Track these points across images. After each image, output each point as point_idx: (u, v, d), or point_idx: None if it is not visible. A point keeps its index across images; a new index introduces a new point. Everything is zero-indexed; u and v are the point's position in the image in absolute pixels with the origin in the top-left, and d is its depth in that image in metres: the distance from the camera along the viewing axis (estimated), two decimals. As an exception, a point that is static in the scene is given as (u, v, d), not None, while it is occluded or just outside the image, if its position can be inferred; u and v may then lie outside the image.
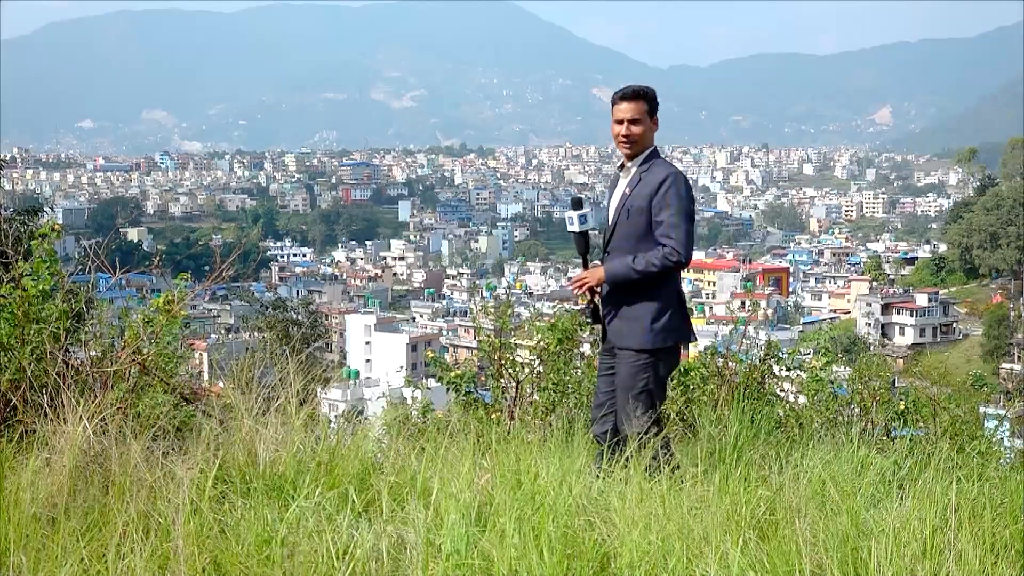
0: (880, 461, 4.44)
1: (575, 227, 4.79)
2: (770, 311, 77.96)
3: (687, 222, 4.67)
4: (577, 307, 4.95)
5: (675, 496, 3.83)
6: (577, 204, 4.80)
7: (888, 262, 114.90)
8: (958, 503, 3.70)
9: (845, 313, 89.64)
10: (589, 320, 4.91)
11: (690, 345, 5.22)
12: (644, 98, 4.83)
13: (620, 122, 4.81)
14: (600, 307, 4.89)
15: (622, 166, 4.92)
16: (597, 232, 5.00)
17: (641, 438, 4.37)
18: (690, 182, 4.86)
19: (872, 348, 59.30)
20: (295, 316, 34.02)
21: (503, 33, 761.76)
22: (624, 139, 4.80)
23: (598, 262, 4.93)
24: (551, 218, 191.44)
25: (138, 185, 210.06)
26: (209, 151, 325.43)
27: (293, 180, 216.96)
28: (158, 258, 6.24)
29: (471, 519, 3.54)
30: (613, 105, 4.87)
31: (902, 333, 78.53)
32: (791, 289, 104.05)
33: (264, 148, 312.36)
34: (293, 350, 5.20)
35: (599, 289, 4.86)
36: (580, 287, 4.81)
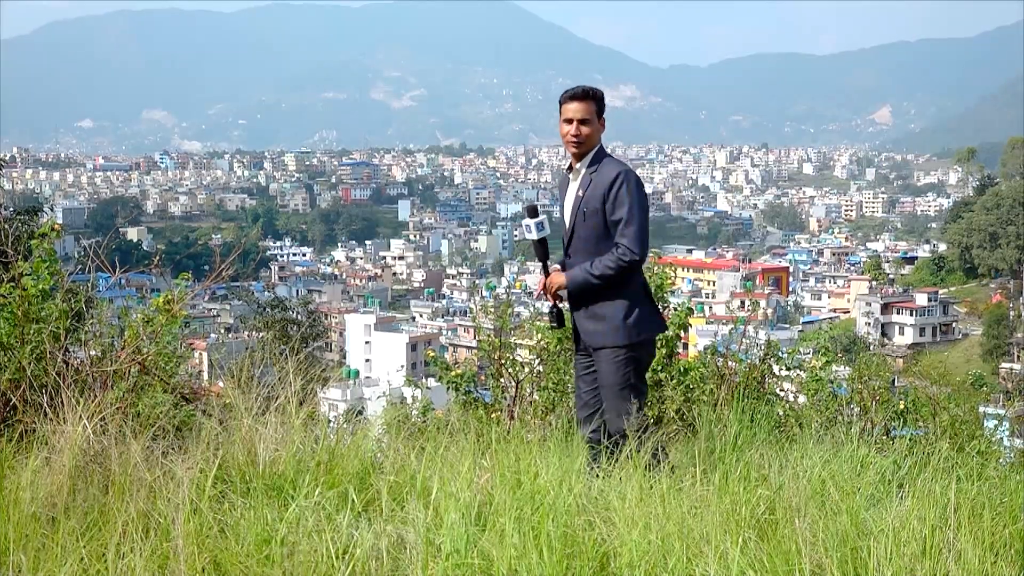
0: (880, 461, 4.44)
1: (533, 235, 4.84)
2: (770, 311, 77.97)
3: (640, 219, 4.70)
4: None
5: (675, 495, 3.83)
6: (533, 212, 4.84)
7: (888, 262, 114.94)
8: (957, 503, 3.70)
9: (845, 313, 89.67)
10: (554, 324, 4.94)
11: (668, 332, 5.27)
12: (593, 99, 4.87)
13: (569, 121, 4.84)
14: (563, 311, 4.93)
15: (570, 167, 4.94)
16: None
17: (639, 434, 4.40)
18: (640, 178, 4.89)
19: (872, 347, 59.29)
20: (293, 315, 33.98)
21: (503, 33, 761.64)
22: (573, 139, 4.84)
23: (558, 266, 4.97)
24: (551, 218, 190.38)
25: (138, 185, 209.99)
26: (209, 151, 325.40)
27: (293, 180, 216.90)
28: (158, 258, 6.24)
29: (471, 519, 3.54)
30: (562, 105, 4.89)
31: (902, 333, 78.56)
32: (791, 289, 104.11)
33: (264, 148, 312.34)
34: (292, 350, 5.20)
35: (562, 294, 4.89)
36: (545, 293, 4.85)
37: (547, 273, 4.95)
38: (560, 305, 4.93)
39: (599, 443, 4.73)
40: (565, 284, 4.76)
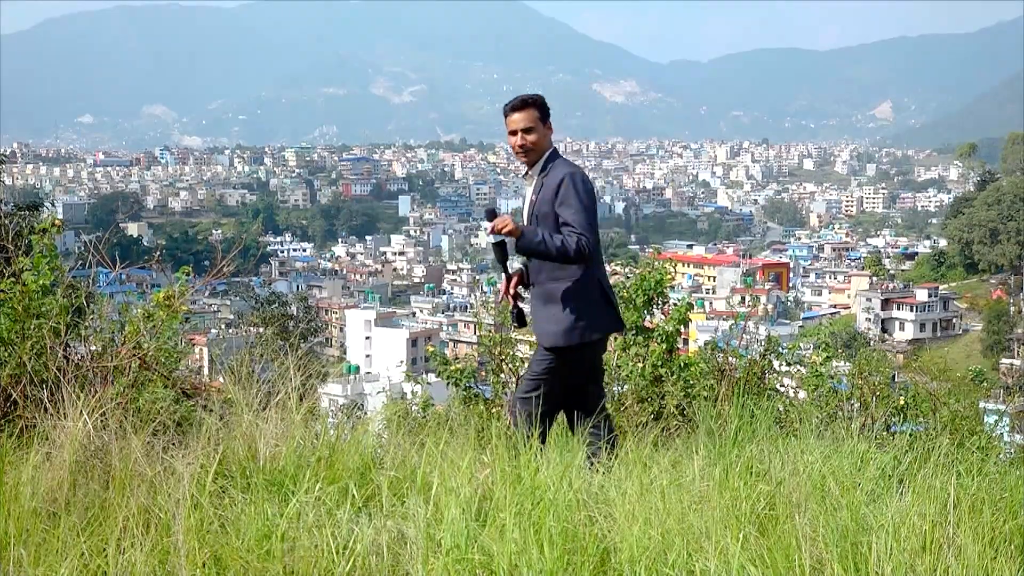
0: (880, 456, 4.45)
1: (492, 238, 4.82)
2: (770, 306, 78.02)
3: (588, 214, 4.73)
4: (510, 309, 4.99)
5: (675, 491, 3.83)
6: (492, 215, 4.85)
7: (888, 257, 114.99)
8: (958, 498, 3.71)
9: (845, 308, 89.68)
10: (515, 323, 4.95)
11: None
12: (534, 105, 4.91)
13: (514, 133, 4.88)
14: (525, 312, 4.97)
15: (526, 175, 4.98)
16: None
17: (516, 413, 4.67)
18: (588, 178, 4.91)
19: (872, 343, 59.31)
20: (290, 311, 34.01)
21: (503, 28, 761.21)
22: (520, 149, 4.87)
23: (521, 266, 4.99)
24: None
25: (138, 180, 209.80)
26: (209, 146, 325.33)
27: (293, 175, 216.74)
28: (158, 253, 6.24)
29: (471, 514, 3.54)
30: (505, 117, 4.92)
31: (902, 328, 78.55)
32: (791, 284, 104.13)
33: (264, 143, 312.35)
34: (292, 345, 5.20)
35: (525, 294, 4.95)
36: (500, 228, 4.76)
37: (508, 276, 4.97)
38: (521, 305, 4.94)
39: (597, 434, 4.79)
40: (517, 232, 4.72)
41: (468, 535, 3.39)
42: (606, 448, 4.66)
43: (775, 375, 8.42)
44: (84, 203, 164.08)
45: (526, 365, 8.18)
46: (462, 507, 3.53)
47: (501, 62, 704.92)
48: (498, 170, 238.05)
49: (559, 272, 4.80)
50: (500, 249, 4.87)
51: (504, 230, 4.72)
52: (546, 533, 3.38)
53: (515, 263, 5.04)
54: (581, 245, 4.65)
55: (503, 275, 5.02)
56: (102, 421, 4.22)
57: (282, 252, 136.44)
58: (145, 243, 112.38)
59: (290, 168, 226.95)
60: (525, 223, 4.88)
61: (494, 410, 7.41)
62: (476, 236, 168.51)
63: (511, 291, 4.94)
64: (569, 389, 4.93)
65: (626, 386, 7.76)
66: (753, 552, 3.31)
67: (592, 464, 4.51)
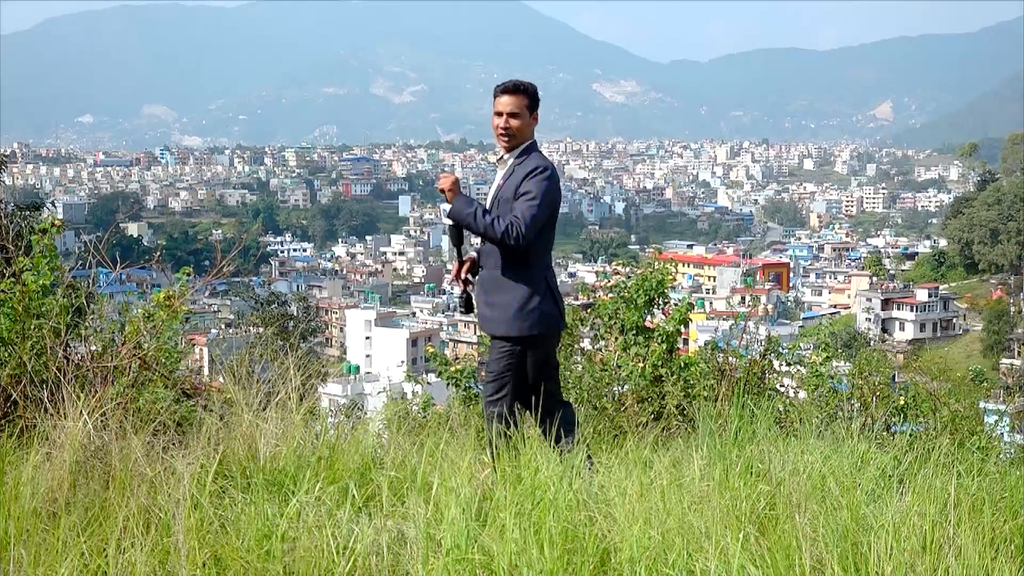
0: (880, 456, 4.45)
1: (450, 220, 4.81)
2: (770, 306, 78.01)
3: (539, 209, 4.72)
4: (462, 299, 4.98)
5: (675, 491, 3.83)
6: None
7: (888, 257, 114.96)
8: (958, 498, 3.71)
9: (845, 308, 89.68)
10: (463, 309, 4.96)
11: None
12: (525, 93, 4.89)
13: (500, 114, 4.87)
14: (473, 297, 4.94)
15: (500, 159, 4.97)
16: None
17: (490, 418, 4.66)
18: (558, 179, 4.93)
19: (872, 343, 59.30)
20: (288, 310, 34.01)
21: (503, 28, 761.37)
22: (503, 131, 4.86)
23: (474, 253, 4.98)
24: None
25: (138, 180, 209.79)
26: (209, 146, 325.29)
27: (293, 175, 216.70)
28: (158, 253, 6.24)
29: (471, 514, 3.55)
30: (494, 98, 4.91)
31: (902, 328, 78.55)
32: (791, 284, 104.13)
33: (264, 143, 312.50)
34: (292, 345, 5.20)
35: (471, 280, 4.93)
36: (442, 186, 4.78)
37: (460, 258, 4.96)
38: (469, 290, 4.94)
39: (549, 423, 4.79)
40: (452, 193, 4.71)
41: (468, 535, 3.39)
42: (573, 437, 4.65)
43: (775, 375, 8.42)
44: (84, 203, 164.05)
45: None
46: (462, 507, 3.53)
47: (501, 62, 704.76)
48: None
49: (508, 260, 4.78)
50: (456, 232, 4.85)
51: (442, 187, 4.73)
52: (546, 533, 3.39)
53: (471, 250, 5.03)
54: (510, 231, 4.63)
55: (455, 258, 5.02)
56: (102, 421, 4.22)
57: (282, 252, 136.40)
58: (145, 243, 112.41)
59: (290, 168, 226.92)
60: (487, 206, 4.85)
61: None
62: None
63: (462, 276, 4.92)
64: (525, 385, 4.93)
65: (626, 386, 7.76)
66: (753, 552, 3.31)
67: (592, 463, 4.51)
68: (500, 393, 4.81)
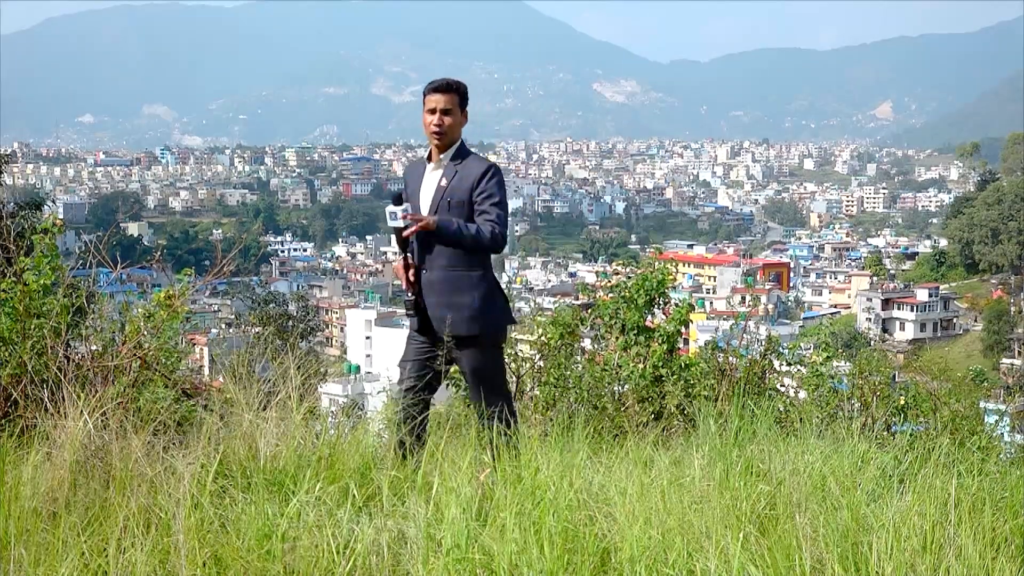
0: (880, 456, 4.44)
1: (399, 223, 4.82)
2: (770, 306, 78.02)
3: (505, 210, 4.85)
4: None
5: (675, 490, 3.83)
6: (397, 200, 4.87)
7: (889, 257, 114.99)
8: (958, 498, 3.71)
9: (845, 308, 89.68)
10: (411, 312, 4.96)
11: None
12: (456, 91, 4.94)
13: (432, 111, 4.90)
14: (420, 299, 4.94)
15: (430, 157, 4.99)
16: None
17: (500, 415, 4.69)
18: (502, 174, 5.01)
19: (872, 343, 59.29)
20: (287, 310, 33.98)
21: (503, 28, 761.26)
22: (436, 127, 4.88)
23: (410, 257, 4.97)
24: (552, 213, 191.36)
25: (139, 180, 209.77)
26: (209, 146, 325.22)
27: (294, 175, 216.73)
28: (159, 253, 6.23)
29: (472, 514, 3.55)
30: (425, 96, 4.95)
31: (902, 328, 78.56)
32: (791, 284, 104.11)
33: (264, 143, 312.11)
34: (291, 345, 5.20)
35: (412, 286, 4.93)
36: (416, 226, 4.75)
37: (407, 261, 4.97)
38: (414, 292, 4.96)
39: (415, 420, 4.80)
40: (433, 225, 4.72)
41: (468, 535, 3.39)
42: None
43: (775, 375, 8.42)
44: (85, 203, 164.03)
45: (527, 366, 8.18)
46: (462, 507, 3.53)
47: (501, 62, 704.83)
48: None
49: (461, 261, 4.82)
50: (401, 238, 4.88)
51: (421, 226, 4.73)
52: (546, 533, 3.39)
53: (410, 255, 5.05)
54: (496, 234, 4.74)
55: (402, 262, 5.00)
56: (102, 421, 4.22)
57: (282, 252, 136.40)
58: (146, 243, 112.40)
59: (290, 168, 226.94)
60: (428, 206, 4.88)
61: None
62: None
63: (411, 277, 4.94)
64: (434, 386, 4.98)
65: (627, 386, 7.75)
66: (753, 552, 3.31)
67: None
68: (505, 390, 4.93)
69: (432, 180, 4.93)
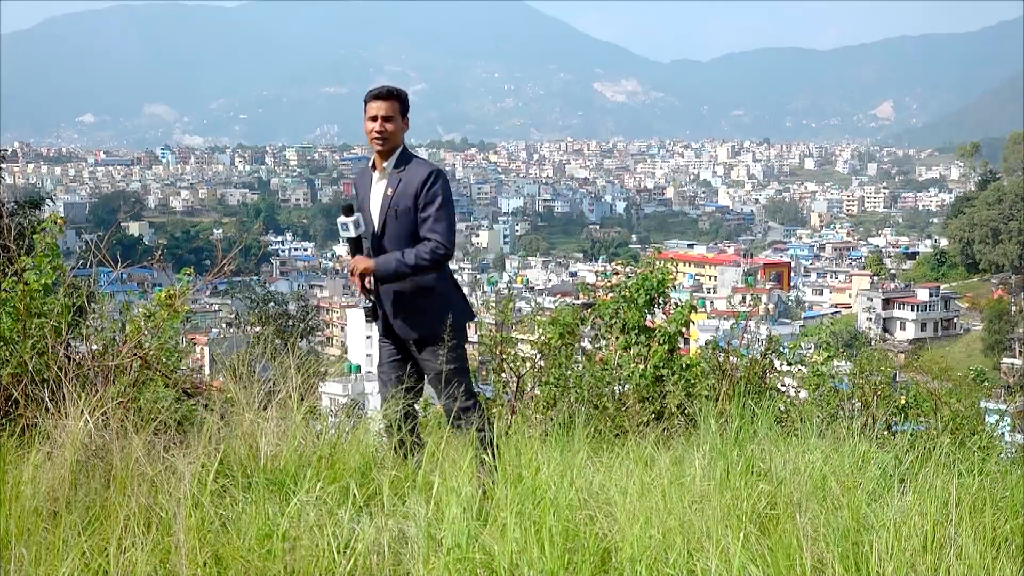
0: (881, 456, 4.45)
1: (350, 232, 4.88)
2: (771, 306, 78.00)
3: (449, 216, 4.86)
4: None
5: (676, 490, 3.83)
6: (348, 211, 4.91)
7: (889, 257, 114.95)
8: (959, 498, 3.71)
9: (846, 308, 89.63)
10: (369, 318, 4.99)
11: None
12: (396, 98, 5.00)
13: (374, 119, 4.94)
14: (379, 303, 4.99)
15: (374, 165, 5.02)
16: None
17: (469, 414, 4.68)
18: (447, 177, 5.02)
19: (873, 343, 59.26)
20: (287, 309, 33.98)
21: (504, 27, 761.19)
22: (377, 135, 4.93)
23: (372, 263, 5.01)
24: (552, 213, 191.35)
25: (139, 179, 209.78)
26: (210, 145, 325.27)
27: (294, 174, 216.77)
28: (159, 252, 6.23)
29: (472, 513, 3.55)
30: (366, 104, 5.00)
31: (903, 328, 78.52)
32: (792, 284, 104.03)
33: (265, 142, 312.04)
34: (292, 345, 5.21)
35: (368, 283, 4.96)
36: (352, 275, 4.88)
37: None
38: (372, 299, 5.00)
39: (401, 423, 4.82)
40: (372, 269, 4.81)
41: (469, 534, 3.39)
42: (407, 436, 4.65)
43: (776, 375, 8.42)
44: (85, 202, 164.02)
45: (528, 365, 8.19)
46: (463, 506, 3.54)
47: (502, 61, 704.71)
48: (499, 169, 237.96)
49: None
50: (356, 244, 4.93)
51: (363, 273, 4.83)
52: (547, 532, 3.39)
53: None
54: (437, 255, 4.77)
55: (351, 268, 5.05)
56: (103, 420, 4.23)
57: (283, 251, 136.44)
58: (146, 242, 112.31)
59: (291, 167, 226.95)
60: (377, 216, 4.92)
61: (495, 410, 7.41)
62: (477, 235, 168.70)
63: (366, 285, 4.98)
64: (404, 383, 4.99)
65: (628, 385, 7.75)
66: (754, 551, 3.31)
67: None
68: (473, 391, 4.91)
69: (379, 190, 4.97)
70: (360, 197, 5.05)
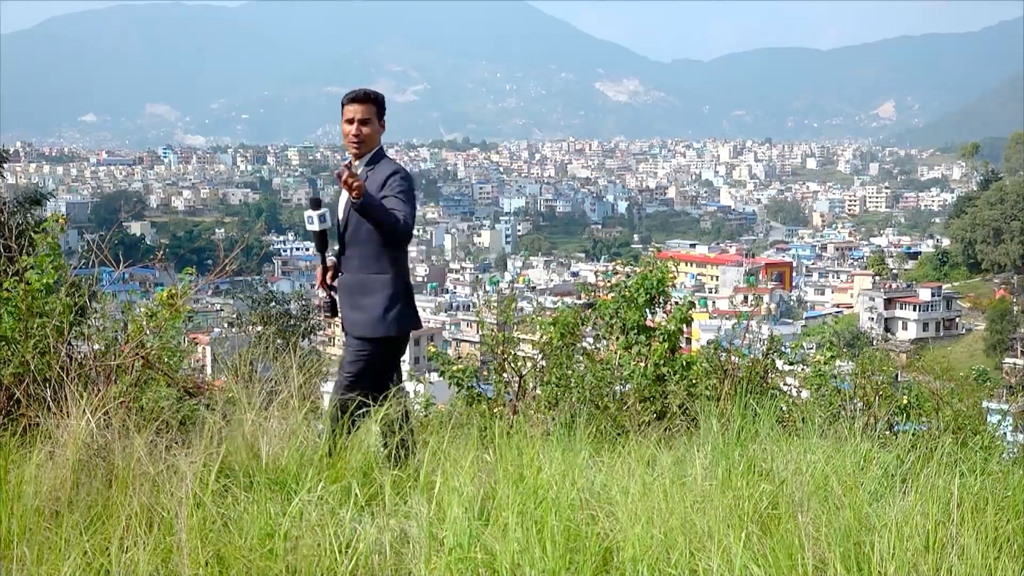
0: (883, 456, 4.44)
1: (315, 226, 4.91)
2: (773, 306, 77.93)
3: (412, 204, 4.90)
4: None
5: (678, 490, 3.83)
6: (315, 204, 4.95)
7: (891, 257, 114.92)
8: (961, 498, 3.70)
9: (848, 308, 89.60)
10: (328, 313, 5.03)
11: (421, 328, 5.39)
12: (373, 101, 5.05)
13: (350, 122, 4.99)
14: (336, 300, 5.03)
15: (349, 165, 5.04)
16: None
17: (338, 408, 4.61)
18: (413, 178, 5.09)
19: (875, 343, 59.23)
20: (288, 309, 33.93)
21: (505, 27, 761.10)
22: (354, 138, 4.98)
23: (334, 258, 5.09)
24: (554, 212, 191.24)
25: (141, 179, 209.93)
26: (212, 145, 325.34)
27: (296, 174, 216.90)
28: (161, 252, 6.24)
29: (474, 513, 3.55)
30: (343, 106, 5.04)
31: (905, 328, 78.51)
32: (794, 284, 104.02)
33: (267, 142, 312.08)
34: (293, 344, 5.22)
35: (329, 279, 5.05)
36: (350, 182, 4.72)
37: (324, 264, 5.08)
38: (333, 295, 5.05)
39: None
40: (362, 186, 4.71)
41: (471, 534, 3.39)
42: (400, 448, 4.61)
43: (778, 374, 8.41)
44: (87, 202, 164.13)
45: (529, 365, 8.19)
46: (465, 506, 3.53)
47: (504, 61, 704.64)
48: (501, 169, 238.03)
49: (370, 264, 4.92)
50: (321, 238, 4.97)
51: (354, 187, 4.71)
52: (548, 532, 3.38)
53: (330, 256, 5.12)
54: (405, 223, 4.79)
55: (320, 265, 5.11)
56: (105, 420, 4.23)
57: (285, 251, 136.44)
58: (148, 242, 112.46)
59: (293, 167, 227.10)
60: (342, 213, 4.97)
61: (496, 409, 7.41)
62: (479, 235, 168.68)
63: (328, 281, 5.03)
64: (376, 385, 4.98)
65: (629, 385, 7.75)
66: (756, 551, 3.31)
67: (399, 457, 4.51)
68: (353, 391, 4.85)
69: None
70: (339, 195, 5.10)
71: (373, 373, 4.91)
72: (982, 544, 3.41)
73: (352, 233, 4.96)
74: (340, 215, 5.00)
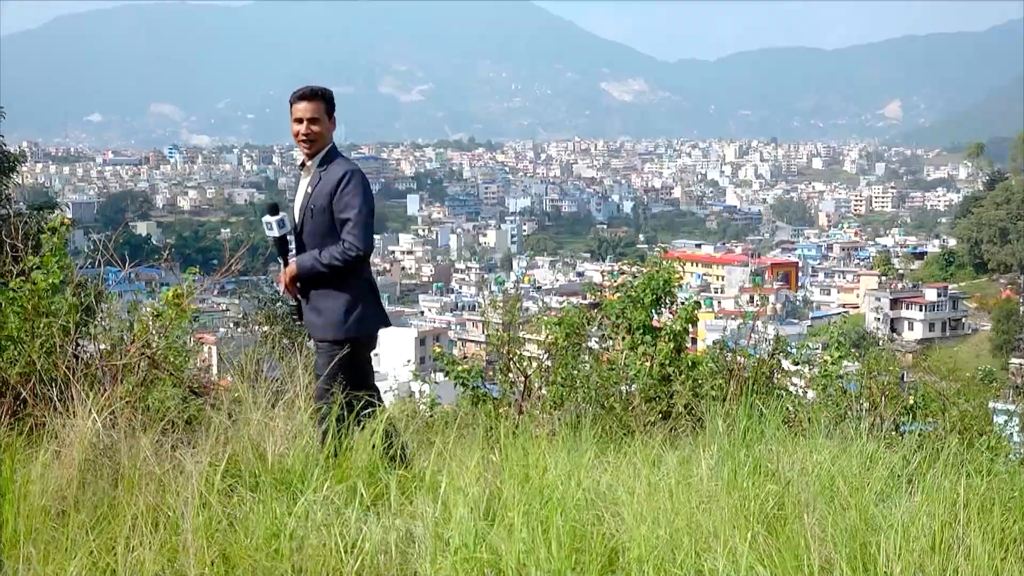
0: (889, 456, 4.43)
1: (274, 232, 4.96)
2: (779, 306, 77.89)
3: (365, 216, 4.87)
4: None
5: (684, 490, 3.82)
6: (273, 210, 4.96)
7: (897, 257, 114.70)
8: (967, 498, 3.70)
9: (854, 308, 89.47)
10: (295, 316, 5.03)
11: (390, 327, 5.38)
12: (322, 98, 5.03)
13: (300, 121, 4.97)
14: (303, 304, 5.02)
15: (303, 165, 5.06)
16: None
17: (324, 420, 4.52)
18: (366, 176, 5.04)
19: (881, 343, 59.11)
20: (289, 307, 33.95)
21: (510, 27, 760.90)
22: (304, 137, 4.97)
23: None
24: (560, 212, 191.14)
25: (147, 179, 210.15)
26: (217, 145, 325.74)
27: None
28: (167, 252, 6.26)
29: (479, 513, 3.55)
30: (291, 105, 5.03)
31: (911, 328, 78.40)
32: (800, 284, 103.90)
33: (272, 142, 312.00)
34: (299, 344, 5.23)
35: (297, 284, 5.01)
36: (287, 288, 4.95)
37: (288, 268, 5.08)
38: (300, 298, 5.04)
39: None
40: (295, 273, 4.88)
41: (476, 534, 3.39)
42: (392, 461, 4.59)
43: (784, 375, 8.40)
44: (93, 202, 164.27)
45: (535, 365, 8.19)
46: (470, 506, 3.54)
47: (509, 61, 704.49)
48: (506, 169, 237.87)
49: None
50: (281, 244, 5.00)
51: (287, 282, 4.92)
52: (554, 532, 3.38)
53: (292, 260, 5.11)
54: (348, 256, 4.80)
55: (282, 269, 5.10)
56: (111, 419, 4.24)
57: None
58: (154, 242, 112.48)
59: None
60: (298, 215, 4.97)
61: (502, 410, 7.41)
62: (484, 235, 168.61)
63: (293, 285, 5.01)
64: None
65: (634, 385, 7.75)
66: (762, 552, 3.31)
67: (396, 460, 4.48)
68: (331, 394, 4.81)
69: (302, 188, 5.03)
70: (294, 195, 5.11)
71: (346, 376, 4.85)
72: (988, 545, 3.40)
73: (309, 234, 4.94)
74: (296, 216, 4.98)
